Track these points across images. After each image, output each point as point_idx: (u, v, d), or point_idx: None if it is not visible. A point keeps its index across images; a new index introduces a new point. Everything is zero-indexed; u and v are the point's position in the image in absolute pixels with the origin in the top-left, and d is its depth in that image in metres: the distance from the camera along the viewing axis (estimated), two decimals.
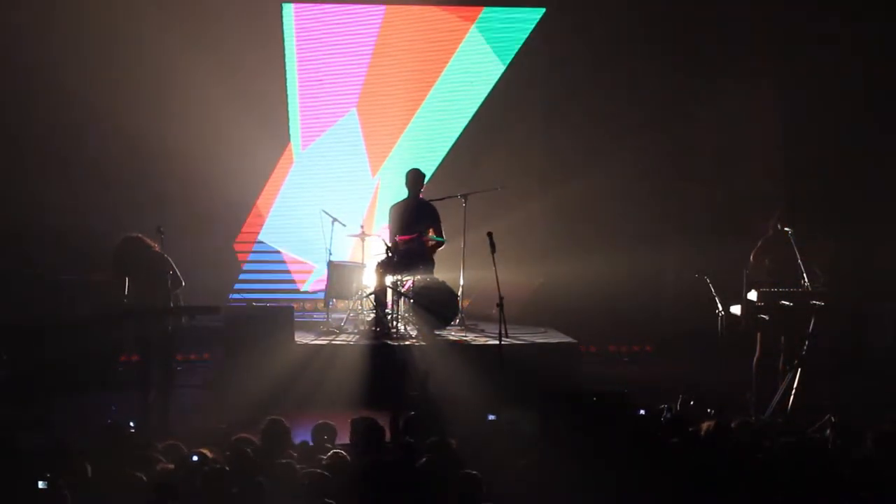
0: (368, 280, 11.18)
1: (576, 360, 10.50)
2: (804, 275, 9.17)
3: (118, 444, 6.58)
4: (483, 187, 11.51)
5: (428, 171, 11.86)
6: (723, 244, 10.80)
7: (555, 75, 12.99)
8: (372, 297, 10.81)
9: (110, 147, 12.15)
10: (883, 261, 11.44)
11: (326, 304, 11.49)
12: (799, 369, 8.96)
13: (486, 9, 13.00)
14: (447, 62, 12.93)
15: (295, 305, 11.05)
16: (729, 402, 8.87)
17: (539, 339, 10.81)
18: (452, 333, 10.84)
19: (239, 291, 12.59)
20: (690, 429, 6.88)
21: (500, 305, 9.05)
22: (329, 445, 6.74)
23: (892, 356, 10.57)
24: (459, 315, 11.01)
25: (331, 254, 11.30)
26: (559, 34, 12.90)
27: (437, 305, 10.60)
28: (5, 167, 12.03)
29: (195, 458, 6.02)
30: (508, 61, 13.00)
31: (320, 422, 7.20)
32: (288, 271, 12.97)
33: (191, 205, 12.23)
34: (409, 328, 10.68)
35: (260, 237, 12.91)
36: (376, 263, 10.89)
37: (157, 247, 8.79)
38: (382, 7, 12.86)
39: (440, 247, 11.03)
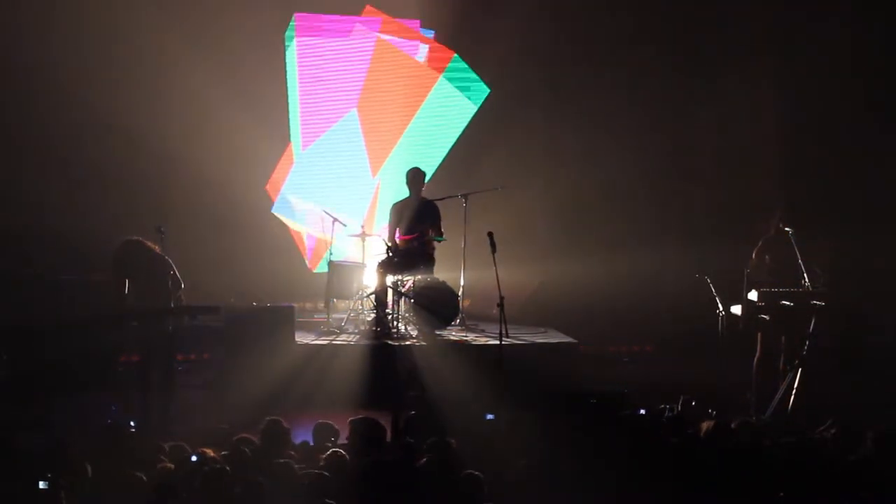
0: (369, 280, 11.18)
1: (576, 360, 10.50)
2: (804, 275, 9.18)
3: (118, 444, 6.59)
4: (483, 187, 11.51)
5: (428, 170, 11.86)
6: (723, 244, 10.79)
7: (555, 75, 12.98)
8: (372, 297, 10.81)
9: (110, 147, 12.13)
10: (883, 261, 11.43)
11: (327, 304, 11.50)
12: (799, 369, 8.96)
13: None
14: (447, 62, 12.91)
15: (295, 305, 11.05)
16: (729, 402, 8.88)
17: (539, 339, 10.82)
18: (453, 333, 10.84)
19: (240, 291, 12.57)
20: (690, 429, 6.89)
21: (501, 305, 9.05)
22: (329, 445, 6.74)
23: (892, 356, 10.55)
24: (460, 315, 11.01)
25: (331, 254, 11.31)
26: (559, 34, 12.90)
27: (437, 305, 10.60)
28: (5, 167, 12.02)
29: (194, 458, 6.02)
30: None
31: (321, 422, 7.21)
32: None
33: (191, 205, 12.23)
34: (409, 328, 10.68)
35: (260, 237, 12.90)
36: (377, 263, 10.89)
37: (157, 249, 8.79)
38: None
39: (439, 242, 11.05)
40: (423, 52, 12.80)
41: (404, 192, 11.19)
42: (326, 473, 5.80)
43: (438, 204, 11.10)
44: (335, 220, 11.38)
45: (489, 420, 7.39)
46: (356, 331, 10.94)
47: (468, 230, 10.98)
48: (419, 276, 10.71)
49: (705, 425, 6.84)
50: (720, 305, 9.55)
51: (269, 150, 12.71)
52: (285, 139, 12.86)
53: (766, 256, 9.54)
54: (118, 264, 8.69)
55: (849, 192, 12.34)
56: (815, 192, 12.19)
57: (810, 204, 11.92)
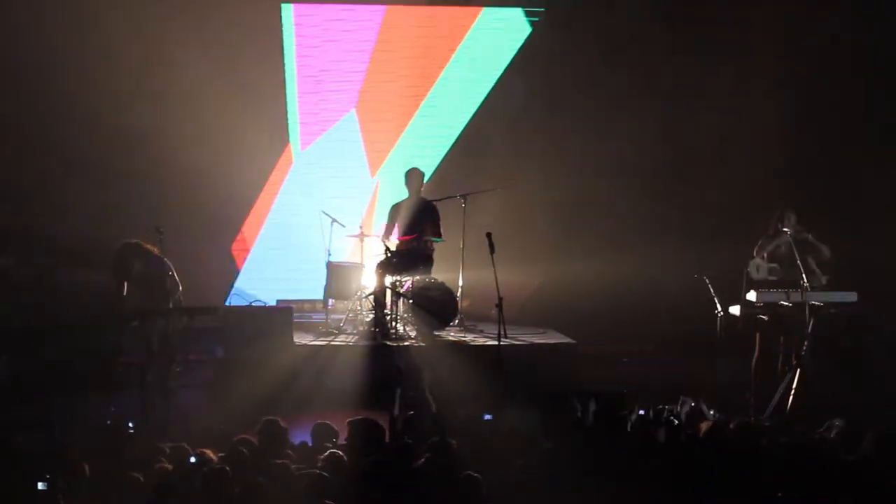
0: (368, 281, 11.18)
1: (575, 360, 10.49)
2: (804, 275, 9.17)
3: (118, 444, 6.58)
4: (483, 187, 11.51)
5: (427, 171, 11.84)
6: (722, 244, 10.78)
7: (555, 75, 12.98)
8: (371, 297, 10.80)
9: (110, 147, 12.12)
10: (883, 261, 11.41)
11: (325, 305, 11.49)
12: (798, 369, 8.96)
13: (485, 9, 12.99)
14: (447, 62, 12.92)
15: (294, 306, 11.05)
16: (728, 402, 8.87)
17: (538, 340, 10.82)
18: (452, 334, 10.83)
19: (238, 292, 12.57)
20: (690, 429, 6.89)
21: (500, 306, 9.05)
22: (328, 446, 6.74)
23: (892, 356, 10.54)
24: (458, 316, 11.00)
25: (330, 254, 11.30)
26: (559, 34, 12.89)
27: (436, 306, 10.61)
28: (5, 167, 12.02)
29: (193, 458, 6.02)
30: (508, 62, 12.99)
31: (319, 422, 7.21)
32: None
33: (190, 205, 12.20)
34: (408, 329, 10.68)
35: (259, 237, 12.89)
36: (375, 264, 10.88)
37: (156, 250, 8.79)
38: (382, 7, 12.86)
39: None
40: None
41: (403, 193, 11.19)
42: (325, 474, 5.80)
43: (437, 204, 11.10)
44: (333, 220, 11.37)
45: (487, 420, 7.38)
46: (355, 331, 10.94)
47: (467, 231, 10.98)
48: (418, 277, 10.71)
49: (704, 425, 6.84)
50: (719, 306, 9.54)
51: (268, 150, 12.70)
52: (284, 139, 12.85)
53: (765, 256, 9.55)
54: (117, 267, 8.70)
55: (849, 192, 12.33)
56: (815, 192, 12.17)
57: (810, 204, 11.91)
